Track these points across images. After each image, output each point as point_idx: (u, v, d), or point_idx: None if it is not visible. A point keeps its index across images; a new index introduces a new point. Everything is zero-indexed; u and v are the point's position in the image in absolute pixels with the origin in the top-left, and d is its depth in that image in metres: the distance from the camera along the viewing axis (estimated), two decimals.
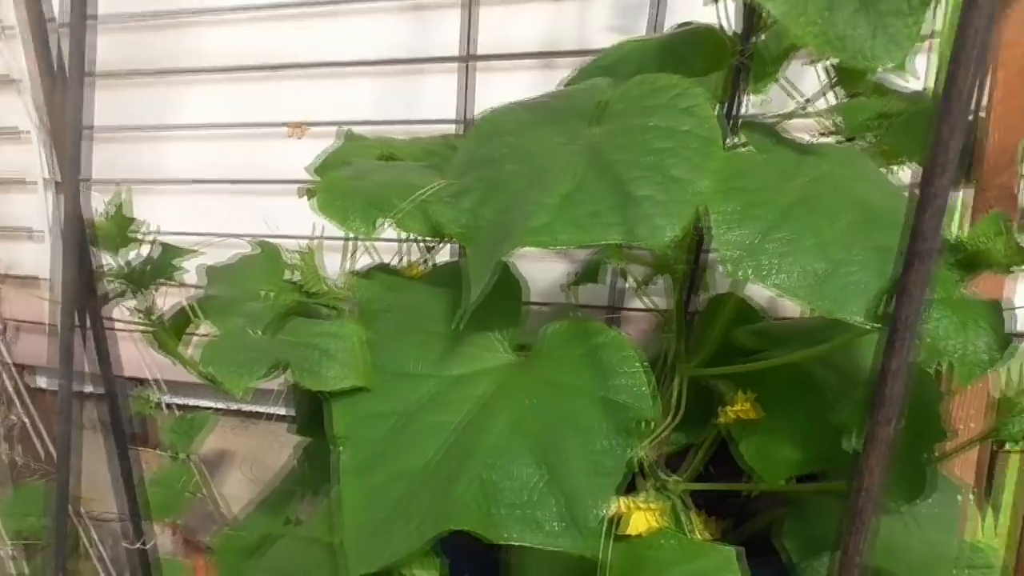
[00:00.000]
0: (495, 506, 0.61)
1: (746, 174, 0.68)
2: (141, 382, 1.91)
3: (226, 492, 2.05)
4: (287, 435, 2.03)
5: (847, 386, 0.78)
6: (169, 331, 0.76)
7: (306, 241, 0.94)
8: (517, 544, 0.61)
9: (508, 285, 0.74)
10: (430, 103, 1.67)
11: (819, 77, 1.17)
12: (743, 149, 0.74)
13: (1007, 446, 0.73)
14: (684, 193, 0.62)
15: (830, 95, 1.16)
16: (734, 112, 0.78)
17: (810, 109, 1.16)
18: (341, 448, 0.70)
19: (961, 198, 1.05)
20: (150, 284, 0.71)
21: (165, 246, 0.77)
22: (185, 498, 1.61)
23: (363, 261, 1.03)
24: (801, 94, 1.18)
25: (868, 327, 0.61)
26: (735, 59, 0.76)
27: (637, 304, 1.53)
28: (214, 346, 0.73)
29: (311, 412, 0.97)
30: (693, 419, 0.83)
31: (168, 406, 1.90)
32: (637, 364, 0.66)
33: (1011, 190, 0.87)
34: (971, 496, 0.90)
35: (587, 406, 0.65)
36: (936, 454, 0.69)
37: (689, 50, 0.88)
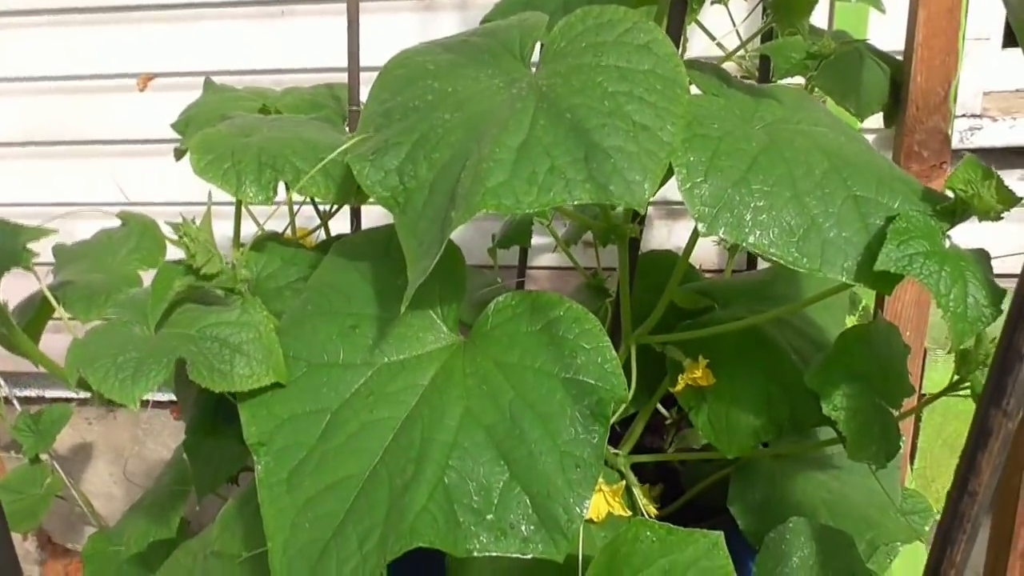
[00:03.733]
0: (462, 514, 0.52)
1: (707, 120, 0.61)
2: None
3: (90, 490, 1.85)
4: (155, 422, 1.85)
5: (806, 344, 0.74)
6: (22, 330, 0.61)
7: (177, 209, 0.80)
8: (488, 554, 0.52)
9: (447, 253, 0.63)
10: (299, 49, 1.51)
11: (730, 16, 1.13)
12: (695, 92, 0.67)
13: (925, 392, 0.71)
14: (655, 142, 0.54)
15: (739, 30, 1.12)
16: (679, 49, 0.70)
17: (725, 45, 1.11)
18: (259, 458, 0.59)
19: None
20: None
21: (8, 225, 0.62)
22: (45, 503, 1.43)
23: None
24: (712, 36, 1.14)
25: (853, 284, 0.56)
26: None
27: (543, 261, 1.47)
28: (86, 345, 0.59)
29: (204, 405, 0.84)
30: (638, 386, 0.78)
31: (8, 400, 1.67)
32: (601, 339, 0.58)
33: (941, 133, 0.84)
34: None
35: (549, 390, 0.57)
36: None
37: None
